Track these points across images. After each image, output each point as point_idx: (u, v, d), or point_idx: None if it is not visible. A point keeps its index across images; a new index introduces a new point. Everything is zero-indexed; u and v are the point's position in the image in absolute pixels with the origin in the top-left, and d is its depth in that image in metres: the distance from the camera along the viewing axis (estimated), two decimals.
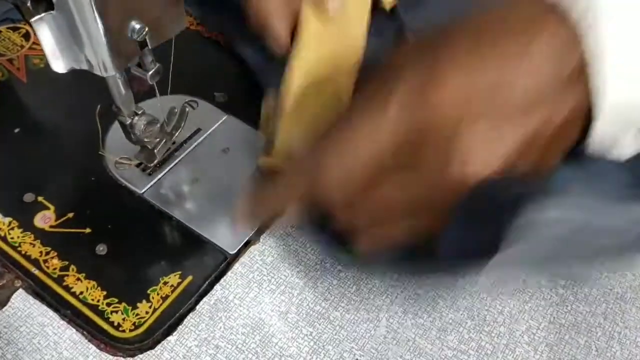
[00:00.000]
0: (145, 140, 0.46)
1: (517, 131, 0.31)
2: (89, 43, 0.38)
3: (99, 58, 0.39)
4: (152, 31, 0.39)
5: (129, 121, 0.45)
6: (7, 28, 0.60)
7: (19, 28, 0.60)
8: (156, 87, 0.45)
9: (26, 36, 0.59)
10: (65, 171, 0.50)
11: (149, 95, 0.49)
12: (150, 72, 0.43)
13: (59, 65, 0.39)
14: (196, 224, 0.47)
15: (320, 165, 0.34)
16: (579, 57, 0.30)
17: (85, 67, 0.39)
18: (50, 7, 0.37)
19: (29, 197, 0.48)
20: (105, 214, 0.47)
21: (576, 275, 0.44)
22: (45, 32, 0.38)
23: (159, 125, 0.46)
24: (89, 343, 0.42)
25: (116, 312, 0.43)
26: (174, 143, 0.49)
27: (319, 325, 0.43)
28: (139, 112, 0.45)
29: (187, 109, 0.48)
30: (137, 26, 0.39)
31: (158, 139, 0.47)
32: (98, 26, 0.37)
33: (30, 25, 0.38)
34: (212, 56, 0.58)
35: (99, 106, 0.51)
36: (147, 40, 0.40)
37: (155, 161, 0.49)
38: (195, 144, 0.51)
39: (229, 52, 0.57)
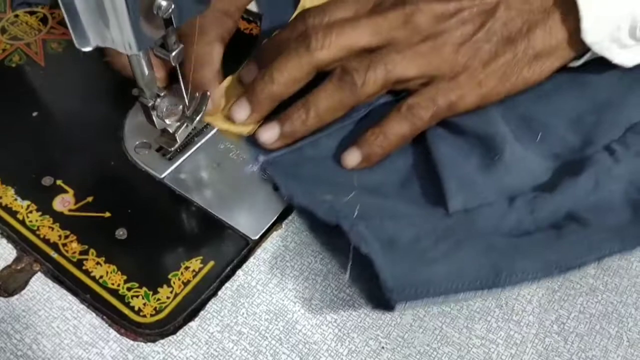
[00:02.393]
0: (167, 122, 0.46)
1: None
2: (115, 19, 0.37)
3: (125, 35, 0.38)
4: (177, 9, 0.39)
5: (151, 103, 0.44)
6: (25, 12, 0.59)
7: (35, 12, 0.59)
8: (179, 71, 0.44)
9: (43, 20, 0.58)
10: (84, 155, 0.49)
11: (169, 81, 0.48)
12: (173, 53, 0.42)
13: (84, 42, 0.38)
14: (217, 209, 0.46)
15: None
16: None
17: (109, 45, 0.39)
18: None
19: (47, 180, 0.47)
20: (125, 198, 0.47)
21: None
22: (71, 8, 0.37)
23: (180, 107, 0.46)
24: (109, 328, 0.41)
25: (137, 296, 0.42)
26: (194, 128, 0.49)
27: (344, 312, 0.42)
28: (161, 95, 0.45)
29: (208, 94, 0.47)
30: (164, 3, 0.38)
31: (179, 123, 0.46)
32: (124, 2, 0.36)
33: (50, 7, 0.37)
34: (233, 41, 0.57)
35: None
36: (172, 18, 0.39)
37: (176, 146, 0.48)
38: (217, 129, 0.50)
39: (250, 37, 0.56)
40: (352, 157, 0.46)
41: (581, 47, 0.46)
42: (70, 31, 0.38)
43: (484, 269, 0.40)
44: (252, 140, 0.48)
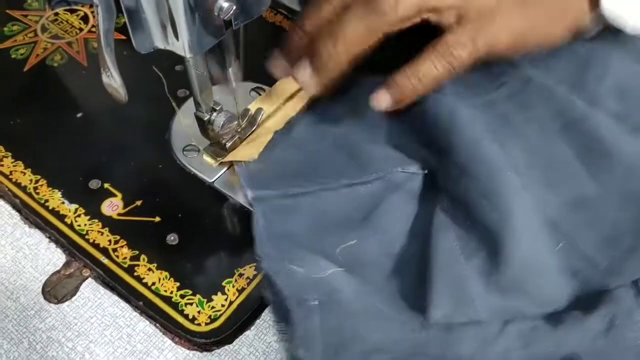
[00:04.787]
0: (221, 137, 0.45)
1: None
2: (175, 21, 0.36)
3: (184, 37, 0.37)
4: (238, 10, 0.38)
5: (207, 117, 0.43)
6: (65, 10, 0.58)
7: (76, 10, 0.58)
8: (231, 76, 0.44)
9: (84, 19, 0.57)
10: (131, 157, 0.48)
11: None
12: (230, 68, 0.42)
13: (143, 44, 0.38)
14: None
15: None
16: None
17: (169, 47, 0.38)
18: None
19: (94, 183, 0.47)
20: (175, 202, 0.46)
21: None
22: (135, 11, 0.36)
23: (236, 122, 0.45)
24: (163, 336, 0.40)
25: (190, 304, 0.41)
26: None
27: None
28: (217, 108, 0.44)
29: (262, 112, 0.47)
30: (225, 4, 0.37)
31: (230, 136, 0.46)
32: (186, 3, 0.35)
33: (118, 6, 0.36)
34: (277, 43, 0.56)
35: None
36: (232, 21, 0.38)
37: (225, 157, 0.47)
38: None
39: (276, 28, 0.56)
40: (383, 99, 0.42)
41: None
42: (131, 34, 0.37)
43: None
44: (243, 170, 0.45)
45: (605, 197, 0.42)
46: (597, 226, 0.41)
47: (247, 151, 0.45)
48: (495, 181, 0.40)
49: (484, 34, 0.42)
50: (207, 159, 0.46)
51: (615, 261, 0.40)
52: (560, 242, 0.40)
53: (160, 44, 0.38)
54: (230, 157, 0.45)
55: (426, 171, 0.44)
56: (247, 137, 0.47)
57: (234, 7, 0.37)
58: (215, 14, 0.37)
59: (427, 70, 0.42)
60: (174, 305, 0.41)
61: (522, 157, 0.43)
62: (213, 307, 0.41)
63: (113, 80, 0.38)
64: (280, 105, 0.48)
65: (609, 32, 0.52)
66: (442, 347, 0.38)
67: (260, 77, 0.52)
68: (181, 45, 0.37)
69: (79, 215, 0.45)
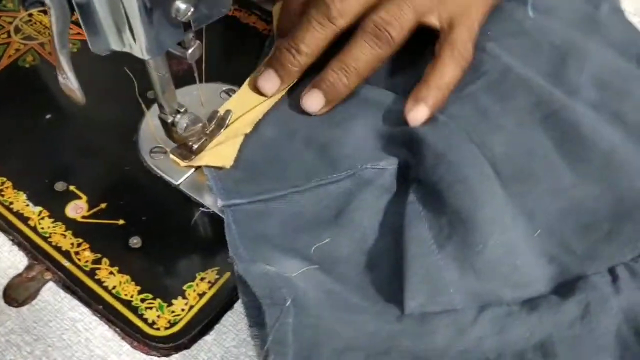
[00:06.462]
0: (186, 139, 0.44)
1: None
2: (131, 23, 0.35)
3: (141, 39, 0.36)
4: (197, 12, 0.37)
5: (170, 119, 0.43)
6: (39, 11, 0.58)
7: None
8: (196, 71, 0.43)
9: None
10: (98, 159, 0.48)
11: (184, 82, 0.47)
12: (190, 50, 0.40)
13: (99, 46, 0.37)
14: None
15: None
16: None
17: (126, 49, 0.37)
18: None
19: (60, 185, 0.46)
20: (140, 205, 0.45)
21: None
22: (89, 13, 0.36)
23: (201, 125, 0.44)
24: (121, 340, 0.40)
25: (150, 308, 0.41)
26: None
27: None
28: (181, 110, 0.43)
29: (230, 114, 0.47)
30: (183, 6, 0.36)
31: (197, 138, 0.45)
32: (141, 3, 0.34)
33: (72, 7, 0.35)
34: (250, 44, 0.56)
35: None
36: (191, 22, 0.38)
37: (192, 159, 0.46)
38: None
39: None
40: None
41: None
42: (87, 36, 0.36)
43: None
44: (213, 176, 0.44)
45: (583, 186, 0.43)
46: (575, 214, 0.42)
47: (216, 155, 0.45)
48: (471, 167, 0.41)
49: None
50: (173, 161, 0.46)
51: (592, 247, 0.41)
52: (537, 230, 0.41)
53: (116, 46, 0.37)
54: (196, 162, 0.45)
55: (396, 165, 0.44)
56: (214, 139, 0.46)
57: (192, 9, 0.37)
58: (173, 15, 0.37)
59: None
60: (134, 310, 0.41)
61: (501, 149, 0.43)
62: (173, 312, 0.41)
63: (69, 81, 0.38)
64: (250, 107, 0.48)
65: (587, 20, 0.52)
66: (416, 339, 0.37)
67: (231, 78, 0.52)
68: (138, 47, 0.37)
69: (42, 218, 0.45)
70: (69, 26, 0.36)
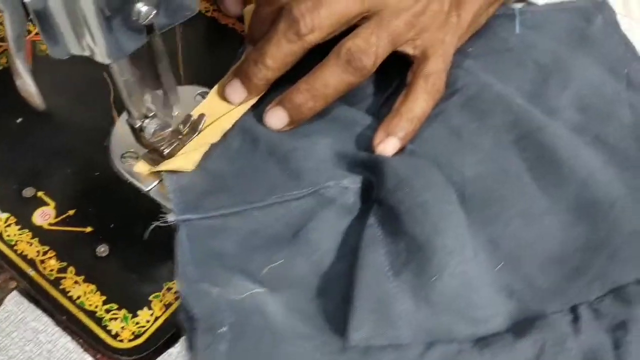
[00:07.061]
0: (155, 144, 0.43)
1: None
2: (89, 26, 0.34)
3: (100, 42, 0.35)
4: (160, 14, 0.36)
5: (138, 124, 0.42)
6: None
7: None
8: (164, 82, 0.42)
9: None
10: (68, 165, 0.47)
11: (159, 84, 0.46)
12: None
13: (58, 50, 0.36)
14: None
15: None
16: None
17: (86, 53, 0.36)
18: None
19: (28, 191, 0.45)
20: (109, 212, 0.44)
21: None
22: (43, 15, 0.34)
23: (170, 130, 0.43)
24: (84, 353, 0.39)
25: (115, 319, 0.40)
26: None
27: None
28: (150, 115, 0.42)
29: (204, 118, 0.45)
30: (144, 9, 0.35)
31: (168, 143, 0.44)
32: (98, 7, 0.33)
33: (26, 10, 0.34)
34: (229, 45, 0.54)
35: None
36: (155, 25, 0.37)
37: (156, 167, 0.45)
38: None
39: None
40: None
41: None
42: (44, 40, 0.35)
43: None
44: (174, 188, 0.42)
45: (555, 213, 0.41)
46: (543, 245, 0.39)
47: (181, 162, 0.44)
48: (432, 192, 0.39)
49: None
50: (140, 167, 0.45)
51: (557, 282, 0.38)
52: (500, 262, 0.38)
53: (75, 50, 0.36)
54: (162, 167, 0.44)
55: (360, 185, 0.42)
56: (186, 144, 0.45)
57: (154, 12, 0.36)
58: (134, 18, 0.36)
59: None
60: (98, 321, 0.40)
61: (472, 171, 0.42)
62: (137, 323, 0.40)
63: (28, 86, 0.37)
64: (222, 112, 0.47)
65: (577, 36, 0.50)
66: None
67: (209, 80, 0.51)
68: (99, 52, 0.36)
69: (9, 225, 0.44)
70: (25, 29, 0.35)
